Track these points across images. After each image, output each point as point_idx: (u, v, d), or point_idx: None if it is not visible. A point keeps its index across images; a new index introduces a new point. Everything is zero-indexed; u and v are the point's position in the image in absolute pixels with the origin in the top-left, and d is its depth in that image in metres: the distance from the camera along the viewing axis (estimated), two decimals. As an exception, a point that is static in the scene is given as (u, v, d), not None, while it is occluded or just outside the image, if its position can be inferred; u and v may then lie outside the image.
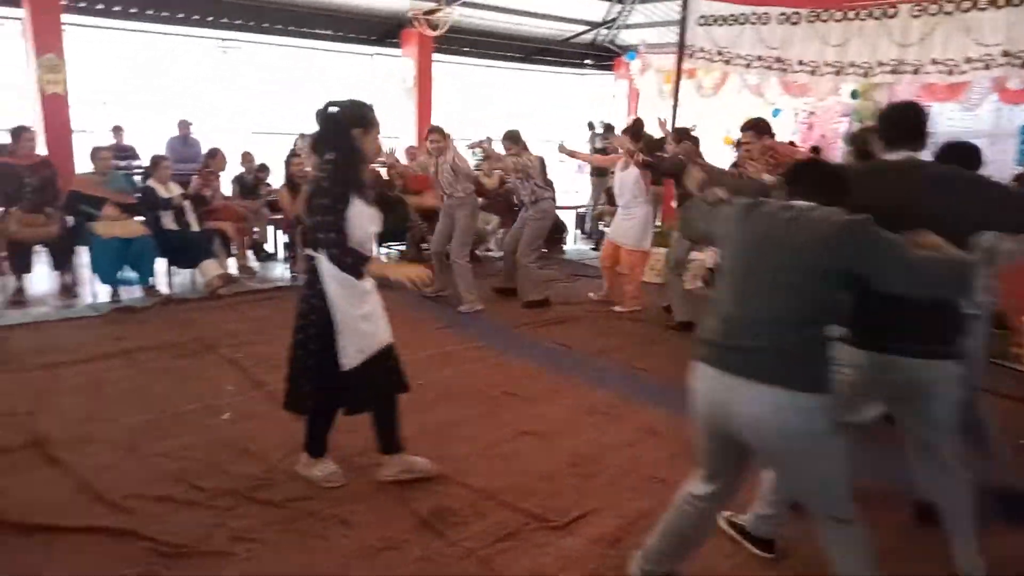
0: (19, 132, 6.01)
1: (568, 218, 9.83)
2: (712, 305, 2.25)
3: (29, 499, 2.90)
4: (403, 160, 8.88)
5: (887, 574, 2.21)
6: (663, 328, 5.81)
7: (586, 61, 14.13)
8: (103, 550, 2.61)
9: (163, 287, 6.29)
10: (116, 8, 8.84)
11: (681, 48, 7.52)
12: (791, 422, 1.99)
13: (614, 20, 12.80)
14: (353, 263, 2.78)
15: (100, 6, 8.69)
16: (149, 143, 8.95)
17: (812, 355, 2.05)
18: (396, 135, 10.92)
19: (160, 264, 6.25)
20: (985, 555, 2.47)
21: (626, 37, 13.17)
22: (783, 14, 6.84)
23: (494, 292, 6.55)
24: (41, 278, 6.31)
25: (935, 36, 5.94)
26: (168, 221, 6.22)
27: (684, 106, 7.82)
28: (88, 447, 3.36)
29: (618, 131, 8.44)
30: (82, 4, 8.46)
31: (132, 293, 6.03)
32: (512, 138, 6.25)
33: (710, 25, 7.36)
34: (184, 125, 9.11)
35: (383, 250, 7.97)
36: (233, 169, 7.75)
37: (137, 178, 7.56)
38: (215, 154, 7.16)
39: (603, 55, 13.80)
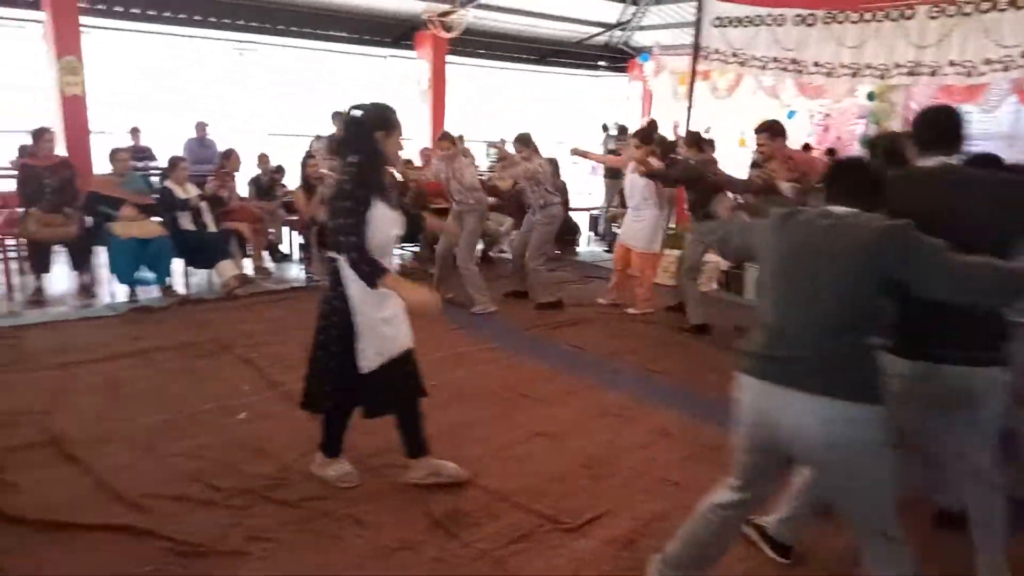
0: (39, 133, 6.08)
1: (581, 220, 9.82)
2: (756, 317, 2.20)
3: (47, 497, 2.93)
4: (417, 162, 8.92)
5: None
6: (676, 330, 5.80)
7: (600, 63, 14.12)
8: (120, 548, 2.63)
9: (180, 287, 6.34)
10: (134, 11, 8.94)
11: (696, 50, 7.51)
12: (839, 433, 1.95)
13: (628, 22, 12.78)
14: (370, 271, 2.74)
15: (118, 9, 8.79)
16: (166, 144, 9.03)
17: (858, 363, 2.00)
18: (410, 137, 10.96)
19: (177, 264, 6.31)
20: (1011, 564, 2.44)
21: (640, 39, 13.15)
22: (799, 15, 6.81)
23: (506, 296, 6.56)
24: (60, 278, 6.38)
25: (953, 37, 5.89)
26: (185, 222, 6.27)
27: (698, 108, 7.80)
28: (105, 446, 3.39)
29: (632, 133, 8.43)
30: (101, 7, 8.56)
31: (149, 293, 6.09)
32: (523, 141, 6.26)
33: (725, 27, 7.34)
34: (201, 127, 9.18)
35: (395, 250, 7.99)
36: (249, 170, 7.80)
37: (154, 179, 7.63)
38: (230, 155, 7.21)
39: (617, 57, 13.78)
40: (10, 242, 6.31)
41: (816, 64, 6.79)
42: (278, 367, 4.48)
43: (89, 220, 6.12)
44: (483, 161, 11.00)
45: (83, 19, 8.00)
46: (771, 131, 5.11)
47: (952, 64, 5.93)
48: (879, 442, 1.98)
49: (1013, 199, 2.26)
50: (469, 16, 10.12)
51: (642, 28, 12.87)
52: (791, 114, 9.91)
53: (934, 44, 6.00)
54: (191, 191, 6.38)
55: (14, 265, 6.35)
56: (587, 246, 9.70)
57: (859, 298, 1.98)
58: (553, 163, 8.43)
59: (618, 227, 8.43)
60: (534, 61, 13.49)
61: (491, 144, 11.36)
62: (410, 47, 11.43)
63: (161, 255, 6.00)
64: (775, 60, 7.07)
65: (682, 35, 11.30)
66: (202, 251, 6.36)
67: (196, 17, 9.46)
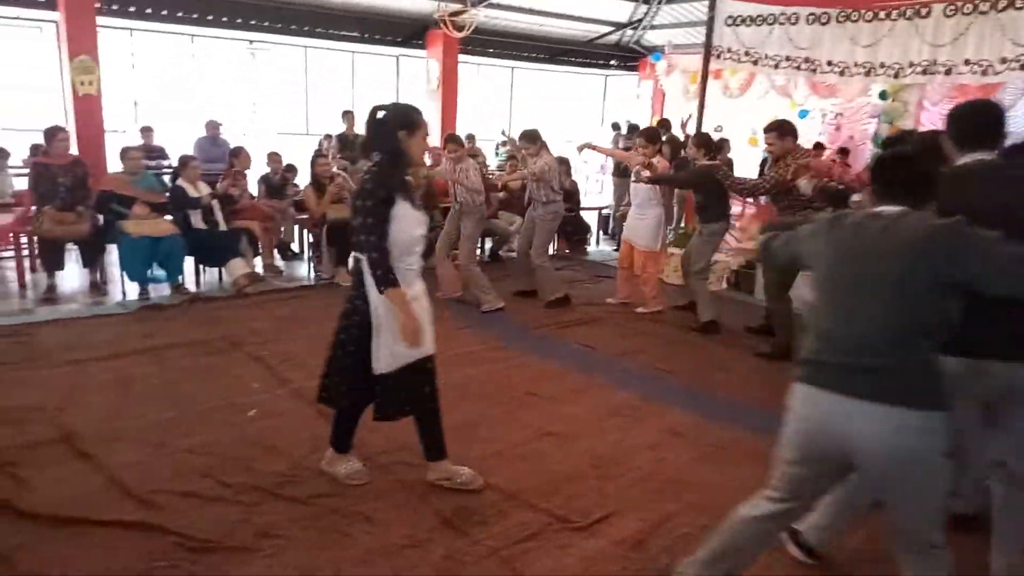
0: (53, 132, 6.11)
1: (591, 219, 9.80)
2: (812, 324, 2.14)
3: (59, 493, 2.95)
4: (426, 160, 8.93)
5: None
6: (686, 329, 5.78)
7: (611, 62, 14.10)
8: (131, 544, 2.64)
9: (191, 285, 6.37)
10: (147, 11, 9.00)
11: (708, 49, 7.47)
12: (911, 442, 1.89)
13: (640, 21, 12.76)
14: (381, 276, 2.71)
15: (132, 8, 8.86)
16: (178, 143, 9.08)
17: (925, 369, 1.94)
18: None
19: (188, 263, 6.33)
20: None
21: (652, 38, 13.13)
22: (812, 14, 6.76)
23: (514, 295, 6.55)
24: (72, 276, 6.42)
25: (969, 36, 5.83)
26: (197, 220, 6.30)
27: (710, 107, 7.76)
28: (116, 443, 3.41)
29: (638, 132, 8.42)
30: (115, 7, 8.62)
31: (161, 291, 6.12)
32: (530, 137, 6.24)
33: (738, 25, 7.29)
34: (213, 125, 9.22)
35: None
36: (260, 169, 7.83)
37: (166, 178, 7.67)
38: (239, 152, 7.23)
39: (628, 56, 13.77)
40: (23, 240, 6.36)
41: (829, 63, 6.73)
42: (287, 365, 4.49)
43: (101, 218, 6.16)
44: (492, 160, 11.01)
45: (98, 19, 8.05)
46: (780, 130, 5.10)
47: (967, 63, 5.88)
48: (944, 450, 1.92)
49: None
50: (480, 15, 10.14)
51: (654, 27, 12.85)
52: (803, 113, 9.88)
53: (949, 43, 5.94)
54: (203, 190, 6.41)
55: (27, 263, 6.40)
56: (597, 246, 9.68)
57: (919, 302, 1.91)
58: (564, 163, 8.44)
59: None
60: (545, 60, 13.49)
61: (500, 143, 11.36)
62: (421, 46, 11.46)
63: (172, 253, 6.03)
64: (787, 59, 7.02)
65: (694, 34, 11.30)
66: (213, 249, 6.40)
67: (209, 16, 9.53)
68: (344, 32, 10.77)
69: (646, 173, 5.85)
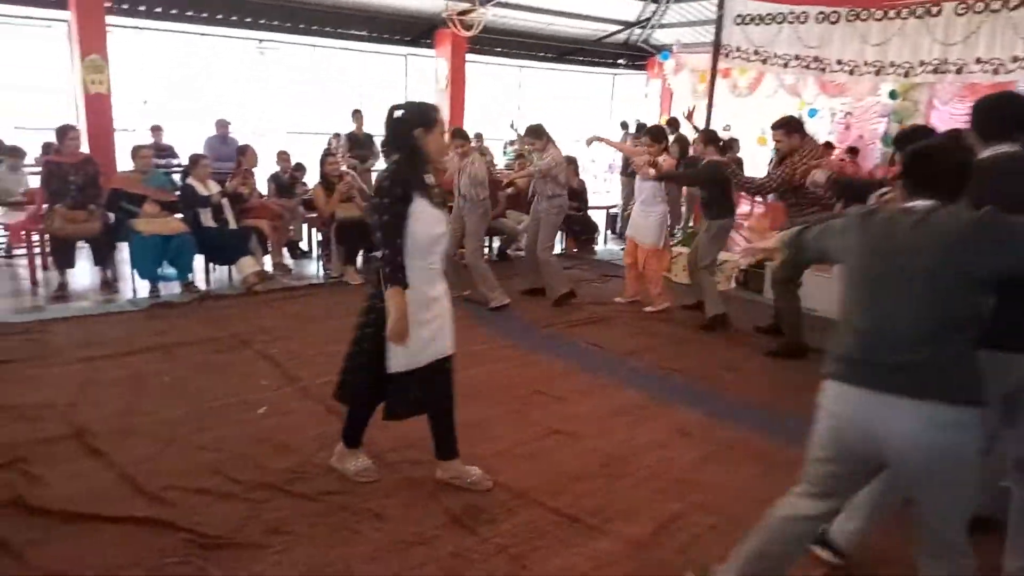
0: (64, 131, 6.15)
1: (599, 218, 9.79)
2: (843, 320, 2.11)
3: (70, 489, 2.97)
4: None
5: None
6: (694, 328, 5.77)
7: (619, 61, 14.08)
8: (142, 540, 2.66)
9: (201, 283, 6.40)
10: (157, 10, 9.04)
11: (716, 48, 7.45)
12: (943, 437, 1.86)
13: (648, 20, 12.73)
14: (390, 272, 2.71)
15: (142, 8, 8.90)
16: (188, 142, 9.12)
17: (963, 365, 1.91)
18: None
19: (198, 261, 6.37)
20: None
21: (660, 37, 13.10)
22: (822, 13, 6.75)
23: (522, 294, 6.55)
24: (83, 273, 6.46)
25: (981, 34, 5.81)
26: (207, 219, 6.33)
27: (719, 106, 7.75)
28: (128, 439, 3.43)
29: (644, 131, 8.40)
30: (125, 6, 8.67)
31: (171, 289, 6.14)
32: (535, 133, 6.23)
33: (747, 24, 7.28)
34: (222, 124, 9.26)
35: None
36: (269, 168, 7.86)
37: (176, 176, 7.71)
38: (245, 150, 7.24)
39: (636, 55, 13.74)
40: (35, 238, 6.41)
41: (839, 62, 6.72)
42: (297, 362, 4.51)
43: (112, 216, 6.20)
44: (500, 159, 11.01)
45: (108, 18, 8.10)
46: (787, 127, 5.09)
47: (979, 61, 5.85)
48: (979, 447, 1.90)
49: None
50: (488, 14, 10.13)
51: (662, 26, 12.82)
52: (812, 112, 9.85)
53: (960, 41, 5.92)
54: (213, 188, 6.44)
55: (39, 260, 6.45)
56: (604, 245, 9.67)
57: (951, 297, 1.89)
58: (572, 162, 8.43)
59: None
60: (553, 59, 13.48)
61: (509, 143, 11.37)
62: (429, 45, 11.47)
63: (183, 251, 6.06)
64: (797, 58, 7.01)
65: (703, 33, 11.27)
66: (223, 247, 6.43)
67: (218, 16, 9.57)
68: (353, 31, 10.79)
69: (651, 171, 5.85)
